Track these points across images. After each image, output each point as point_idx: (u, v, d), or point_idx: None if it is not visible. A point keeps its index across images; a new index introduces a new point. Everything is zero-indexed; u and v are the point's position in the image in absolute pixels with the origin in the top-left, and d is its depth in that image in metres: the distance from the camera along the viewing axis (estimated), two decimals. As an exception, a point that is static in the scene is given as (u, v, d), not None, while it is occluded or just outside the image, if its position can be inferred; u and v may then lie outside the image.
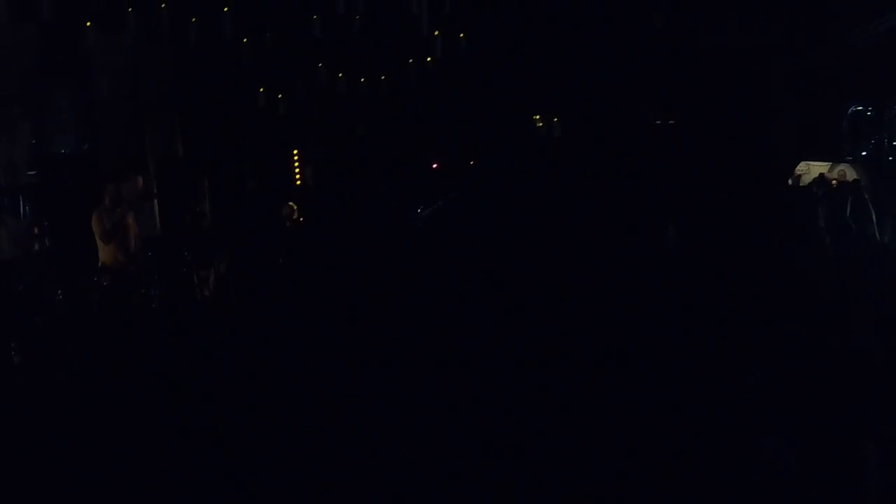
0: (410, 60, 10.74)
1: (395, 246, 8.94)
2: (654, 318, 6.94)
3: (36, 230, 9.04)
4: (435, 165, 11.52)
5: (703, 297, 7.37)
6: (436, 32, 10.35)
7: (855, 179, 9.11)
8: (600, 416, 5.09)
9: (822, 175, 9.37)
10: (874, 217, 8.61)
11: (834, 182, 9.07)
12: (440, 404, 5.45)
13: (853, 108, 9.49)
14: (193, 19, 9.17)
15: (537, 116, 10.97)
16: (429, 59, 10.83)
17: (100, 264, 8.82)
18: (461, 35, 10.42)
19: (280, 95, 10.61)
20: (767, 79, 9.70)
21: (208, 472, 5.04)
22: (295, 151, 11.06)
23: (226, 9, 9.02)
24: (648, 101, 10.36)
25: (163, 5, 8.66)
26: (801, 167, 9.61)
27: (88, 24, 9.04)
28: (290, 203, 10.60)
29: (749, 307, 7.17)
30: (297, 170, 11.20)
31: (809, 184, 9.37)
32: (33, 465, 5.25)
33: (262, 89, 10.45)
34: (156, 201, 10.03)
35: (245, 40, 9.77)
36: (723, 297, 7.33)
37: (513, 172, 10.63)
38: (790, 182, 9.47)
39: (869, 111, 9.42)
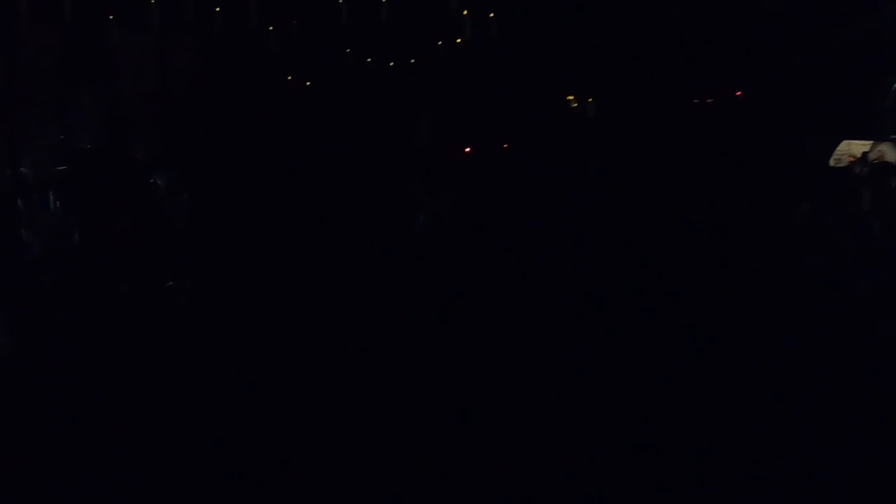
0: (439, 42, 10.77)
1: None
2: (682, 308, 6.95)
3: (64, 225, 9.27)
4: (468, 149, 11.50)
5: (738, 286, 7.34)
6: (464, 12, 10.34)
7: (897, 160, 8.94)
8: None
9: (864, 154, 9.21)
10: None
11: (875, 161, 8.91)
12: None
13: (896, 85, 9.30)
14: (217, 9, 9.28)
15: (571, 97, 10.92)
16: (458, 40, 10.84)
17: (129, 258, 9.04)
18: (490, 14, 10.40)
19: (308, 83, 10.71)
20: (807, 54, 9.55)
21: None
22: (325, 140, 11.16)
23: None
24: (685, 79, 10.27)
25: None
26: (843, 147, 9.45)
27: (111, 17, 9.21)
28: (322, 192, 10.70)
29: (785, 296, 7.12)
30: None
31: (851, 164, 9.23)
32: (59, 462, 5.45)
33: (289, 77, 10.57)
34: (185, 195, 10.21)
35: (270, 28, 9.86)
36: (757, 285, 7.29)
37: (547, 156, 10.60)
38: (832, 163, 9.34)
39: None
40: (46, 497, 5.20)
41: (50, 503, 5.17)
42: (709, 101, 10.22)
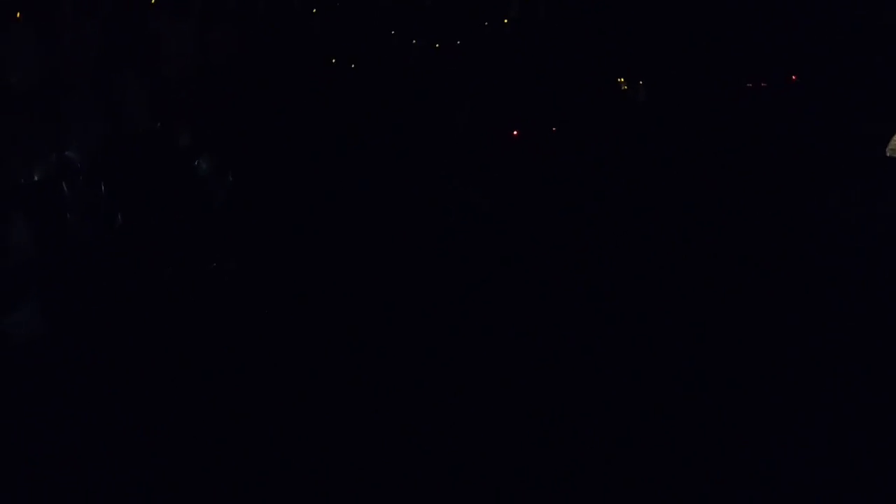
0: (486, 23, 10.69)
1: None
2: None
3: (111, 210, 9.43)
4: (515, 133, 11.41)
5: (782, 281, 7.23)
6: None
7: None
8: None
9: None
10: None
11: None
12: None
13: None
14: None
15: (622, 79, 10.74)
16: (505, 20, 10.76)
17: (172, 241, 9.18)
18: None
19: (353, 65, 10.69)
20: (861, 32, 9.29)
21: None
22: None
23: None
24: (739, 61, 10.04)
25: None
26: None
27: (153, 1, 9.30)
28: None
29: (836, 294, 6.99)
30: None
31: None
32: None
33: (333, 60, 10.56)
34: (230, 178, 10.30)
35: (314, 10, 9.89)
36: (805, 281, 7.17)
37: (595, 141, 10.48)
38: (888, 153, 9.07)
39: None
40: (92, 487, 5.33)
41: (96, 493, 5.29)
42: (763, 84, 10.00)
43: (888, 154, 8.89)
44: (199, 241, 9.33)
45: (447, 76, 10.79)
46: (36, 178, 9.28)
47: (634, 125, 10.58)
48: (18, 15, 8.76)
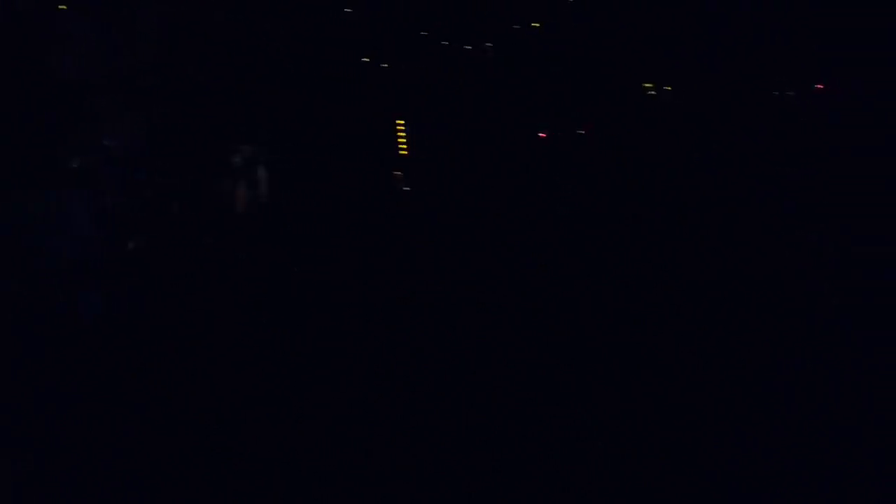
0: (516, 26, 11.18)
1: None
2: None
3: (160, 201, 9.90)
4: (542, 135, 11.86)
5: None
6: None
7: None
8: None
9: None
10: None
11: None
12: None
13: None
14: None
15: (649, 84, 11.12)
16: (534, 24, 11.24)
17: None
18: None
19: (386, 65, 11.16)
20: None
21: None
22: (400, 121, 11.60)
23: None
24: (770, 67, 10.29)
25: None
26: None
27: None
28: (396, 172, 11.22)
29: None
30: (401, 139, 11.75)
31: None
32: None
33: (367, 59, 11.03)
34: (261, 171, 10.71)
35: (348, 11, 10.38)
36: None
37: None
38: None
39: None
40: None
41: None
42: (790, 92, 10.24)
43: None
44: (235, 236, 9.75)
45: (476, 78, 11.22)
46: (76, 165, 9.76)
47: (660, 130, 10.96)
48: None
